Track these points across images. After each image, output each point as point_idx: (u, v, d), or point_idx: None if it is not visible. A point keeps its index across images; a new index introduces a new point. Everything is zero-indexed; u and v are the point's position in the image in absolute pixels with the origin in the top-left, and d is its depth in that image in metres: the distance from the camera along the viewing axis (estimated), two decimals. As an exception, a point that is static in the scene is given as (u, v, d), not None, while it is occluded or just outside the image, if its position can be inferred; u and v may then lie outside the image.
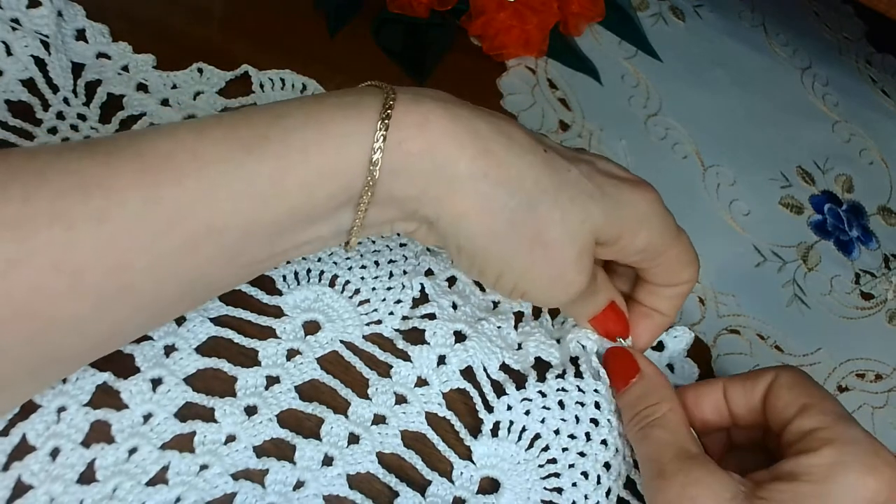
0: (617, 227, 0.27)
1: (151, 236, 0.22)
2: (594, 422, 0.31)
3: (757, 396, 0.29)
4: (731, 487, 0.26)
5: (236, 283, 0.26)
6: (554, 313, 0.35)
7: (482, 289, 0.35)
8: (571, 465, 0.30)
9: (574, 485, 0.30)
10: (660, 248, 0.29)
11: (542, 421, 0.31)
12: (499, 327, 0.33)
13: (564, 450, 0.31)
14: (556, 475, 0.30)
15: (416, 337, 0.32)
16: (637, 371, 0.31)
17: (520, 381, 0.32)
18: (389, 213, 0.26)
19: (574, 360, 0.33)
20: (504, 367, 0.33)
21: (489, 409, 0.31)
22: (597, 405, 0.32)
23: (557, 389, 0.32)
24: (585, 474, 0.30)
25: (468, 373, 0.32)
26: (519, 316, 0.35)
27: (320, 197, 0.24)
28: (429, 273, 0.34)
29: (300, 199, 0.24)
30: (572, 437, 0.31)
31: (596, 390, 0.32)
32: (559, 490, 0.30)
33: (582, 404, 0.32)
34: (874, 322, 0.43)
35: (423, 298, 0.34)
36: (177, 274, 0.23)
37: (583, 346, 0.33)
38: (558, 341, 0.34)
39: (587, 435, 0.31)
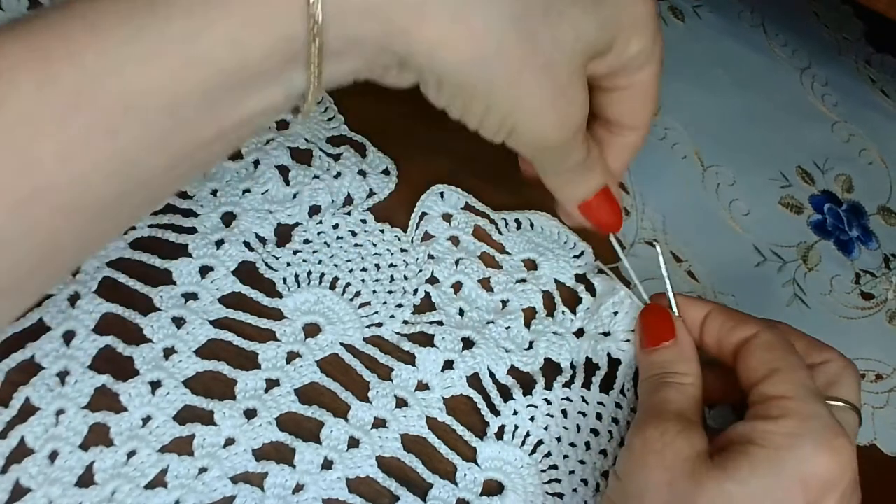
0: (611, 33, 0.25)
1: (55, 122, 0.19)
2: (594, 432, 0.32)
3: (732, 341, 0.29)
4: (706, 447, 0.26)
5: (182, 175, 0.23)
6: (573, 305, 0.35)
7: (489, 290, 0.34)
8: (572, 472, 0.31)
9: (574, 490, 0.30)
10: (648, 56, 0.27)
11: (546, 428, 0.31)
12: (507, 328, 0.33)
13: (566, 457, 0.31)
14: (557, 481, 0.30)
15: (423, 339, 0.32)
16: (672, 336, 0.30)
17: (527, 385, 0.32)
18: (350, 63, 0.22)
19: (591, 366, 0.33)
20: (512, 371, 0.32)
21: (496, 412, 0.31)
22: (598, 416, 0.32)
23: (562, 399, 0.32)
24: (585, 481, 0.31)
25: (474, 379, 0.32)
26: (531, 313, 0.34)
27: (254, 55, 0.20)
28: (434, 281, 0.34)
29: (229, 60, 0.20)
30: (573, 445, 0.31)
31: (600, 402, 0.32)
32: (560, 495, 0.30)
33: (584, 414, 0.32)
34: (874, 322, 0.43)
35: (428, 306, 0.33)
36: (98, 164, 0.20)
37: (610, 357, 0.32)
38: (577, 335, 0.34)
39: (587, 444, 0.31)
